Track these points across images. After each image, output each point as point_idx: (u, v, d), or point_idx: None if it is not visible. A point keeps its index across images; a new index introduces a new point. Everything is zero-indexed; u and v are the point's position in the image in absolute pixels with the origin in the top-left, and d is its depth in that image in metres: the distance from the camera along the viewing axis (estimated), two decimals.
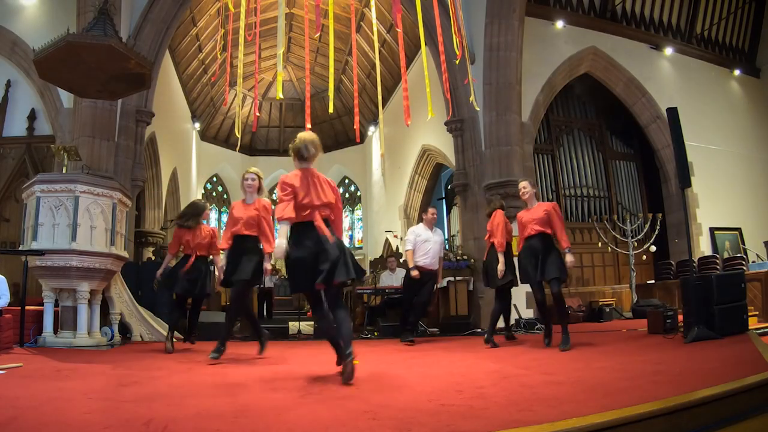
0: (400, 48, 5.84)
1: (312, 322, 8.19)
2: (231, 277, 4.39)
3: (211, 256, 5.33)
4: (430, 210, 6.35)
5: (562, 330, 4.70)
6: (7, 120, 9.25)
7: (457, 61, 7.14)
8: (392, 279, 8.36)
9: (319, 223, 3.19)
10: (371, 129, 16.75)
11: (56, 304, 5.43)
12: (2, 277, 5.05)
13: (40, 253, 5.12)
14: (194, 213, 5.26)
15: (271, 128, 19.17)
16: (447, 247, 5.71)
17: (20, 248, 5.49)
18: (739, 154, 11.57)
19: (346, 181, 19.50)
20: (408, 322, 6.10)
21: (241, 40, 6.56)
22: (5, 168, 9.09)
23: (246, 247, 4.45)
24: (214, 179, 18.46)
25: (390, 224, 15.21)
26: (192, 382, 3.17)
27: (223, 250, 4.72)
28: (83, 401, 2.43)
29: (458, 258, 8.70)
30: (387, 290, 8.08)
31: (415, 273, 5.90)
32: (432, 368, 3.74)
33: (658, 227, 10.23)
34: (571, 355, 4.07)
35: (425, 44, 6.12)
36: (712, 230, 10.96)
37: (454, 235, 12.03)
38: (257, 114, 17.24)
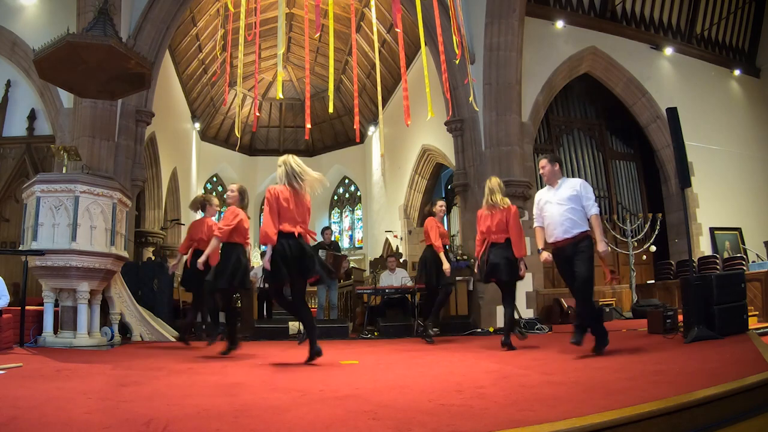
0: (400, 48, 5.84)
1: None
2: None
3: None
4: (541, 162, 4.61)
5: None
6: (7, 120, 9.26)
7: (457, 61, 7.14)
8: (392, 279, 8.35)
9: None
10: (371, 129, 16.75)
11: (56, 304, 5.43)
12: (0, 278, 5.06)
13: (40, 253, 5.12)
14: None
15: (271, 128, 19.17)
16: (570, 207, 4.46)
17: (20, 248, 5.49)
18: (739, 154, 11.57)
19: (346, 181, 19.50)
20: (580, 320, 4.47)
21: (241, 40, 6.57)
22: (5, 168, 9.10)
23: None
24: (214, 179, 18.46)
25: (390, 224, 15.21)
26: (192, 382, 3.17)
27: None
28: (83, 401, 2.43)
29: (458, 258, 8.69)
30: (387, 290, 8.07)
31: (543, 256, 4.50)
32: (432, 368, 3.74)
33: (658, 227, 10.23)
34: (571, 355, 4.07)
35: (425, 44, 6.12)
36: (712, 230, 10.96)
37: (454, 235, 12.03)
38: (257, 114, 17.24)
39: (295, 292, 4.12)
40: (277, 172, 4.16)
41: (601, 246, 4.19)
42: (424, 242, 6.18)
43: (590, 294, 4.21)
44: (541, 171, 4.59)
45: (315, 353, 3.92)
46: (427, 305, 6.33)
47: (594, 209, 4.20)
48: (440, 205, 6.24)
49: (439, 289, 5.97)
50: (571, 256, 4.25)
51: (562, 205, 4.27)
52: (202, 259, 4.79)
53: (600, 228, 4.22)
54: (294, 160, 4.08)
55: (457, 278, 8.31)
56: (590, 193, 4.30)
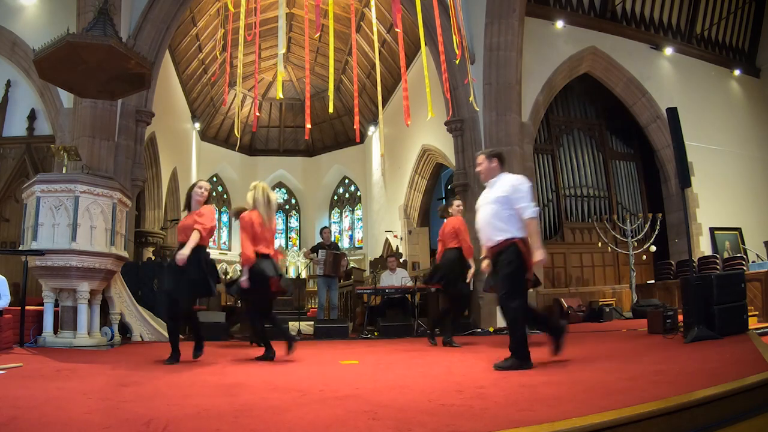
0: (400, 48, 5.84)
1: (312, 322, 8.19)
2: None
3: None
4: (478, 158, 3.95)
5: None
6: (7, 120, 9.25)
7: (457, 61, 7.14)
8: (392, 279, 8.36)
9: None
10: (371, 129, 16.75)
11: (56, 304, 5.43)
12: (2, 277, 5.05)
13: (40, 253, 5.12)
14: None
15: (271, 128, 19.17)
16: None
17: (20, 248, 5.49)
18: (739, 154, 11.57)
19: (346, 181, 19.50)
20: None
21: (241, 40, 6.57)
22: (5, 168, 9.10)
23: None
24: (214, 179, 18.46)
25: (390, 224, 15.21)
26: (192, 382, 3.17)
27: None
28: (83, 401, 2.43)
29: None
30: (387, 290, 8.07)
31: (483, 265, 3.88)
32: (432, 368, 3.74)
33: (658, 227, 10.23)
34: (571, 355, 4.07)
35: (425, 44, 6.12)
36: (712, 230, 10.96)
37: None
38: (257, 114, 17.24)
39: (268, 306, 4.61)
40: (248, 195, 4.48)
41: (538, 255, 3.45)
42: (441, 242, 5.71)
43: (516, 317, 3.47)
44: (477, 168, 3.92)
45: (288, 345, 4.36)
46: (447, 311, 5.84)
47: (528, 211, 3.50)
48: (457, 204, 5.81)
49: (458, 293, 5.58)
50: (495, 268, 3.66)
51: (487, 206, 3.69)
52: (186, 252, 4.06)
53: (537, 234, 3.59)
54: (265, 188, 4.49)
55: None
56: (523, 192, 3.56)
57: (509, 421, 1.89)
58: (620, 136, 11.77)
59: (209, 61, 14.34)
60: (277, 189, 20.17)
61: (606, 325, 7.97)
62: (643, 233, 10.29)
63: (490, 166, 3.79)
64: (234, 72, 10.50)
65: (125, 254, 5.92)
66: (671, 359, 3.55)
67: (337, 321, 7.72)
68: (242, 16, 6.48)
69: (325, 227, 9.03)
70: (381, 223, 16.21)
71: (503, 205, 3.58)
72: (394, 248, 14.10)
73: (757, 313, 6.20)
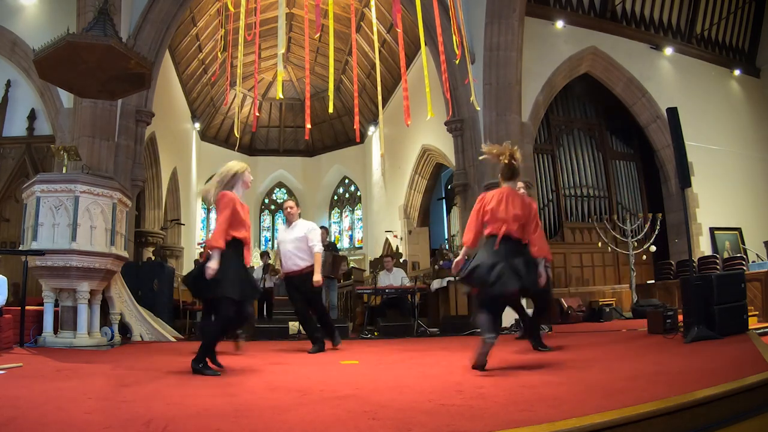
0: (400, 48, 5.84)
1: None
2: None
3: None
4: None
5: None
6: (7, 120, 9.26)
7: (457, 61, 7.14)
8: (390, 279, 8.35)
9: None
10: (371, 129, 16.75)
11: (56, 304, 5.43)
12: (3, 277, 5.05)
13: (40, 253, 5.12)
14: None
15: (271, 128, 19.17)
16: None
17: (20, 248, 5.49)
18: (739, 154, 11.57)
19: (346, 181, 19.50)
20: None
21: (241, 40, 6.57)
22: (5, 168, 9.10)
23: None
24: None
25: (390, 224, 15.21)
26: (192, 382, 3.17)
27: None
28: (83, 401, 2.43)
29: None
30: (387, 290, 8.07)
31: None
32: (432, 368, 3.74)
33: (658, 227, 10.23)
34: (571, 355, 4.07)
35: (425, 44, 6.11)
36: (712, 230, 10.97)
37: (454, 235, 12.03)
38: (257, 114, 17.23)
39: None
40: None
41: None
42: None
43: None
44: None
45: None
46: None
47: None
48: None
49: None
50: None
51: None
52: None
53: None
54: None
55: (458, 278, 8.30)
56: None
57: (509, 421, 1.89)
58: (620, 136, 11.77)
59: (209, 61, 14.35)
60: (277, 189, 20.19)
61: (606, 325, 7.97)
62: (643, 233, 10.29)
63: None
64: (234, 72, 10.51)
65: (125, 254, 5.92)
66: (671, 359, 3.55)
67: (337, 321, 7.71)
68: (242, 16, 6.48)
69: (323, 227, 9.03)
70: (381, 223, 16.20)
71: None
72: (394, 248, 14.10)
73: (757, 313, 6.18)
